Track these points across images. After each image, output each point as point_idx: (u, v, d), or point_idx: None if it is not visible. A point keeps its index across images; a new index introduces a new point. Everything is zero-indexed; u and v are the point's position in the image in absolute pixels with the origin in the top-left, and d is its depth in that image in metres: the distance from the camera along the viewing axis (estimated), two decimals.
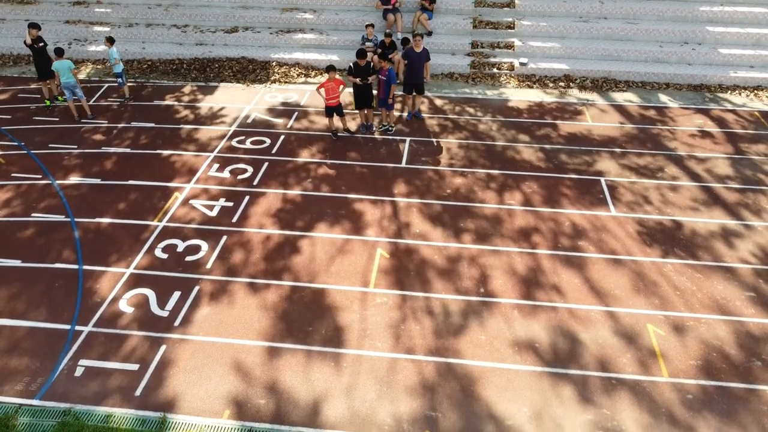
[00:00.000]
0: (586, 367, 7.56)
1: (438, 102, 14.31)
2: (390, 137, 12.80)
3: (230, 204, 10.62)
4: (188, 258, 9.36)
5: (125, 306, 8.49)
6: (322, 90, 12.10)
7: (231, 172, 11.58)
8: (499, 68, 15.85)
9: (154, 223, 10.17)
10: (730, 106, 14.28)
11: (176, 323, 8.20)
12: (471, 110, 14.01)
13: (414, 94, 13.07)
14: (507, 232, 9.93)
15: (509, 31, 16.52)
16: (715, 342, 7.91)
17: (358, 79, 12.27)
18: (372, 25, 14.61)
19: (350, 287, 8.79)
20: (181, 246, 9.61)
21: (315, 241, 9.72)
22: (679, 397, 7.18)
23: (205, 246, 9.61)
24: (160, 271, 9.12)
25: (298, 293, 8.70)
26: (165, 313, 8.35)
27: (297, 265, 9.21)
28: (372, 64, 12.49)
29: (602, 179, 11.36)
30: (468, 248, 9.56)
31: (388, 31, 14.37)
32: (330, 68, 12.10)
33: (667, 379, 7.42)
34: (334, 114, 12.55)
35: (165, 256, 9.41)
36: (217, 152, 12.26)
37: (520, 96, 14.73)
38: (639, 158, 12.06)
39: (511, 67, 15.78)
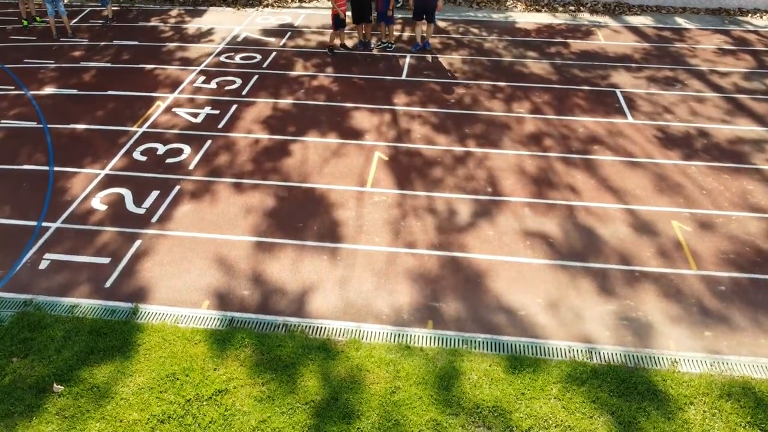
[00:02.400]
0: (606, 260, 6.82)
1: (440, 24, 13.41)
2: (390, 53, 11.94)
3: (216, 111, 9.81)
4: (169, 160, 8.58)
5: (98, 204, 7.74)
6: None
7: (218, 84, 10.75)
8: None
9: (134, 128, 9.37)
10: (751, 28, 13.39)
11: (153, 219, 7.45)
12: (475, 30, 13.13)
13: (424, 20, 11.83)
14: (516, 137, 9.14)
15: None
16: (746, 237, 7.16)
17: None
18: None
19: (345, 186, 8.03)
20: (161, 149, 8.83)
21: (307, 145, 8.94)
22: (709, 289, 6.45)
23: (187, 149, 8.83)
24: (138, 172, 8.34)
25: (288, 192, 7.94)
26: (141, 211, 7.60)
27: (288, 167, 8.44)
28: None
29: (618, 90, 10.53)
30: (474, 151, 8.78)
31: None
32: None
33: (695, 271, 6.68)
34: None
35: (144, 158, 8.64)
36: (204, 66, 11.42)
37: (527, 18, 13.83)
38: (657, 72, 11.22)
39: None
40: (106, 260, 6.83)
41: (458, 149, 8.84)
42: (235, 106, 9.96)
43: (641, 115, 9.77)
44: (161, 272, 6.66)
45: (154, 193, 7.89)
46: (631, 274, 6.64)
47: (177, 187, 8.02)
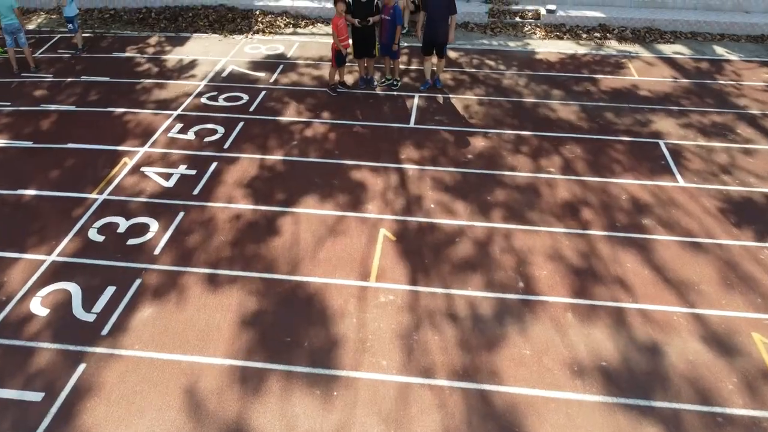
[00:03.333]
0: (677, 396, 5.35)
1: (452, 54, 11.93)
2: (395, 93, 10.46)
3: (192, 172, 8.33)
4: (131, 241, 7.11)
5: (38, 307, 6.26)
6: (335, 28, 9.74)
7: (197, 133, 9.27)
8: (522, 17, 13.44)
9: (93, 195, 7.89)
10: None
11: (104, 331, 5.97)
12: (491, 63, 11.65)
13: (434, 55, 10.26)
14: (547, 206, 7.67)
15: None
16: None
17: (356, 21, 9.89)
18: None
19: (344, 280, 6.55)
20: (123, 225, 7.35)
21: (299, 219, 7.46)
22: None
23: (154, 225, 7.35)
24: (92, 258, 6.87)
25: (274, 289, 6.47)
26: (91, 317, 6.12)
27: (275, 251, 6.96)
28: (376, 0, 10.08)
29: (661, 142, 9.05)
30: (499, 227, 7.30)
31: None
32: (339, 0, 9.70)
33: None
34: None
35: (101, 238, 7.16)
36: (182, 110, 9.93)
37: (548, 48, 12.35)
38: (702, 117, 9.75)
39: (537, 15, 13.37)
40: (38, 396, 5.35)
41: (479, 224, 7.36)
42: (214, 164, 8.48)
43: (693, 175, 8.30)
44: (108, 414, 5.18)
45: (109, 291, 6.41)
46: (712, 419, 5.17)
47: (138, 281, 6.54)
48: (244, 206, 7.68)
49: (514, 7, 13.65)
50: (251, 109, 9.92)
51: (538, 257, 6.87)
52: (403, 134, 9.23)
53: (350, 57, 10.56)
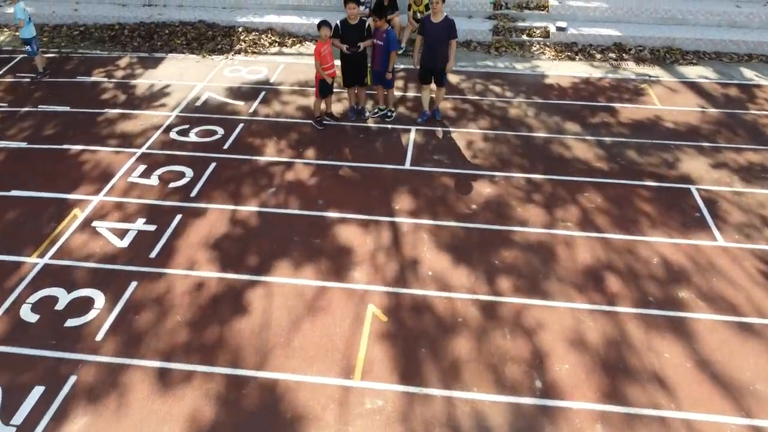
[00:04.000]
0: None
1: (453, 78, 10.78)
2: (389, 125, 9.30)
3: (151, 228, 7.17)
4: (70, 322, 5.95)
5: None
6: (318, 56, 8.60)
7: (161, 177, 8.11)
8: (530, 35, 12.28)
9: (32, 259, 6.73)
10: None
11: None
12: (497, 89, 10.49)
13: (432, 84, 9.10)
14: (566, 272, 6.52)
15: None
16: None
17: (345, 47, 8.74)
18: None
19: (323, 378, 5.40)
20: (63, 300, 6.19)
21: (272, 291, 6.31)
22: None
23: (100, 300, 6.19)
24: (22, 345, 5.71)
25: (237, 390, 5.31)
26: (10, 430, 4.97)
27: (241, 336, 5.81)
28: (367, 23, 8.93)
29: (693, 188, 7.90)
30: (508, 303, 6.15)
31: None
32: (323, 24, 8.54)
33: None
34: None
35: (35, 318, 6.00)
36: (147, 147, 8.77)
37: (559, 71, 11.19)
38: (737, 155, 8.59)
39: (546, 34, 12.22)
40: None
41: (485, 298, 6.21)
42: (178, 218, 7.33)
43: (733, 231, 7.14)
44: None
45: (36, 393, 5.26)
46: None
47: (72, 378, 5.39)
48: (209, 274, 6.52)
49: (521, 24, 12.50)
50: (226, 146, 8.77)
51: (557, 344, 5.71)
52: (398, 178, 8.08)
53: (339, 85, 9.41)
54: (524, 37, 12.22)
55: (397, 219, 7.33)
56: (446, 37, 8.66)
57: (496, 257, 6.75)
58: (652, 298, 6.23)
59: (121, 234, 7.08)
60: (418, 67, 9.10)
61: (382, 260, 6.70)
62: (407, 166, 8.33)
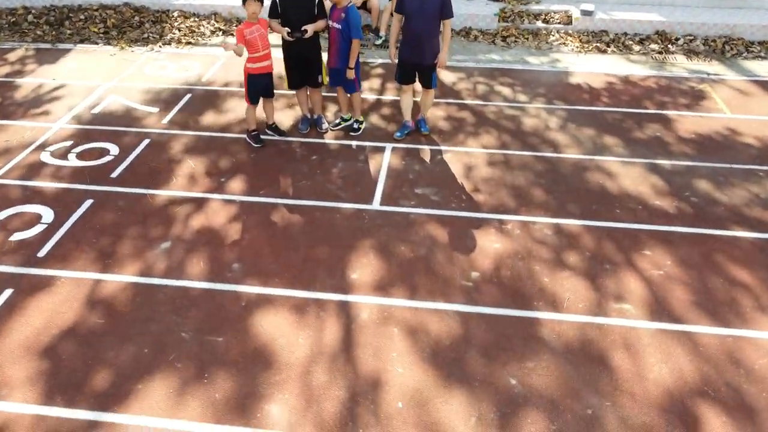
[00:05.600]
0: None
1: (448, 77, 8.08)
2: (353, 142, 6.60)
3: None
4: None
5: None
6: (242, 41, 5.86)
7: (4, 223, 5.40)
8: (547, 20, 9.57)
9: None
10: None
11: None
12: (506, 91, 7.77)
13: (416, 83, 6.48)
14: (632, 405, 3.80)
15: None
16: None
17: (286, 31, 6.04)
18: None
19: None
20: None
21: None
22: None
23: None
24: None
25: None
26: None
27: None
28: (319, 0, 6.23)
29: None
30: None
31: None
32: None
33: None
34: (262, 96, 6.36)
35: None
36: (1, 176, 6.07)
37: (587, 66, 8.48)
38: None
39: (568, 19, 9.52)
40: None
41: None
42: (7, 295, 4.61)
43: None
44: None
45: None
46: None
47: None
48: (21, 411, 3.80)
49: (535, 7, 9.78)
50: (115, 174, 6.05)
51: None
52: (360, 226, 5.35)
53: (284, 88, 6.69)
54: (540, 23, 9.50)
55: (352, 298, 4.61)
56: (436, 15, 5.95)
57: (513, 372, 4.03)
58: None
59: None
60: (396, 61, 6.42)
61: (321, 381, 3.98)
62: (376, 205, 5.61)
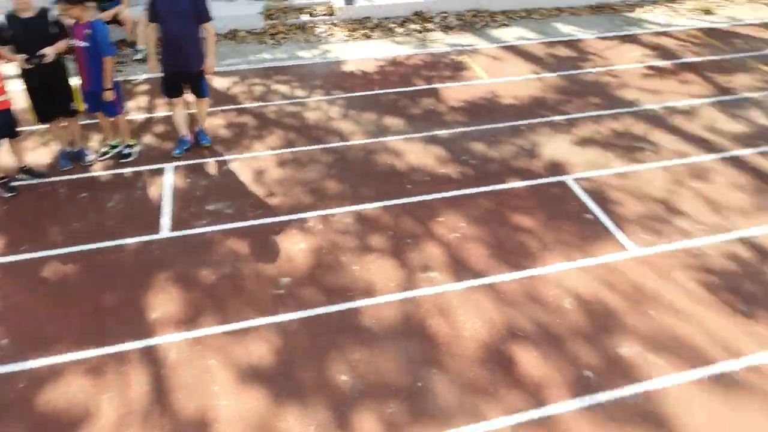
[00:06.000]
0: None
1: (220, 82, 7.72)
2: (128, 169, 5.97)
3: None
4: None
5: None
6: None
7: None
8: (312, 14, 9.66)
9: None
10: (657, 28, 9.81)
11: None
12: (283, 89, 7.66)
13: (186, 95, 6.06)
14: (453, 350, 3.94)
15: None
16: None
17: (22, 57, 5.22)
18: None
19: None
20: None
21: None
22: None
23: None
24: None
25: None
26: None
27: None
28: (56, 16, 5.46)
29: (569, 179, 5.86)
30: None
31: None
32: None
33: None
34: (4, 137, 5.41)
35: None
36: None
37: (357, 53, 8.71)
38: (598, 125, 6.81)
39: (331, 10, 9.69)
40: None
41: None
42: None
43: (638, 229, 5.18)
44: None
45: None
46: None
47: None
48: None
49: (297, 1, 9.79)
50: None
51: None
52: (152, 259, 4.84)
53: (32, 122, 5.80)
54: (306, 17, 9.54)
55: (156, 340, 4.14)
56: (191, 15, 5.58)
57: (342, 368, 3.94)
58: (590, 372, 3.92)
59: None
60: (162, 74, 5.92)
61: None
62: (164, 233, 5.13)
